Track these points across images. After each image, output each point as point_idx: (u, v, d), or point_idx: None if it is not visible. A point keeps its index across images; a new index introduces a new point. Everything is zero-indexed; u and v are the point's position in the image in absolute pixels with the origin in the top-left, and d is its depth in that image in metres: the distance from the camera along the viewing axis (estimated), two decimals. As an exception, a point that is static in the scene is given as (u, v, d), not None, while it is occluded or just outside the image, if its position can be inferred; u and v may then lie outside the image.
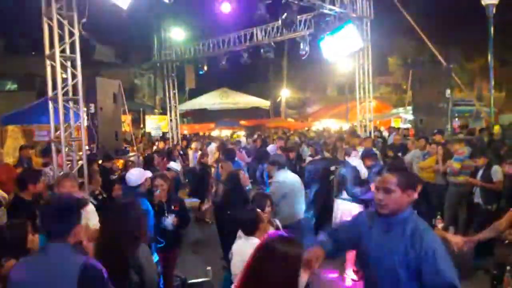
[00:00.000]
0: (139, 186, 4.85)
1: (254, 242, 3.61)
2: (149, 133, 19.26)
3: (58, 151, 6.49)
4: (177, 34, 19.12)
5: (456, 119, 15.75)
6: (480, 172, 7.08)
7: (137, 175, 4.88)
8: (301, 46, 13.50)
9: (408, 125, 16.88)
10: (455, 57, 20.78)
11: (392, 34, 23.22)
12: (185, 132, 22.88)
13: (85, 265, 2.51)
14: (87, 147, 7.44)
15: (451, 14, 21.96)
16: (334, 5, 11.82)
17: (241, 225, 3.76)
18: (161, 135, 19.08)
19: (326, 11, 11.91)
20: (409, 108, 16.99)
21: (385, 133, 14.74)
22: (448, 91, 12.12)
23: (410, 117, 17.03)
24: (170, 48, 18.25)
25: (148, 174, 5.09)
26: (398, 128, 16.47)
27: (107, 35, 19.85)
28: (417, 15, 15.73)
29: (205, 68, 17.48)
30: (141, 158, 10.82)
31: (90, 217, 4.70)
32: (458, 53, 22.99)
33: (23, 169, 7.93)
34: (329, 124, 21.99)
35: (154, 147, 15.00)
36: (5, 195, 6.44)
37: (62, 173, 5.94)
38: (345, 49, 12.62)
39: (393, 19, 18.29)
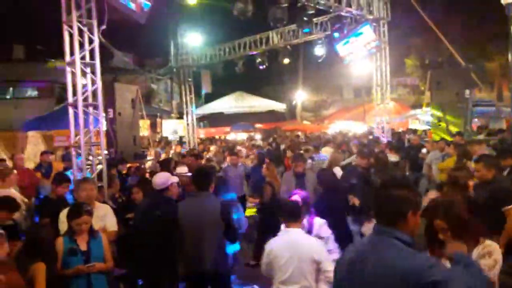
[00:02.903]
0: (164, 190, 4.88)
1: (296, 232, 3.75)
2: (166, 138, 19.43)
3: (78, 156, 6.59)
4: (193, 39, 19.24)
5: (476, 119, 15.46)
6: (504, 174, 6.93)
7: (163, 179, 4.91)
8: (317, 49, 13.48)
9: (427, 127, 16.64)
10: (474, 57, 20.43)
11: (409, 35, 22.99)
12: (201, 136, 23.01)
13: (222, 202, 4.65)
14: (106, 152, 7.53)
15: (469, 13, 21.63)
16: (350, 7, 11.78)
17: (287, 213, 3.88)
18: (178, 139, 19.23)
19: (342, 13, 11.90)
20: (427, 109, 16.75)
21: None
22: (467, 92, 11.91)
23: (428, 118, 16.79)
24: (186, 54, 18.41)
25: (174, 179, 5.12)
26: (415, 130, 16.27)
27: (124, 41, 20.16)
28: (434, 15, 15.54)
29: (221, 72, 17.62)
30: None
31: (108, 220, 4.77)
32: (477, 53, 22.61)
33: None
34: (345, 126, 21.83)
35: (171, 151, 15.11)
36: (25, 199, 6.59)
37: (82, 177, 6.04)
38: (362, 51, 12.57)
39: (410, 19, 18.14)
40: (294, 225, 3.80)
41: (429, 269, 1.85)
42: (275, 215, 5.31)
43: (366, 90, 20.87)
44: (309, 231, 4.23)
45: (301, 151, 9.33)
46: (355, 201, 5.81)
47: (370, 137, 11.95)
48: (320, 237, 4.17)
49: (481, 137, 11.47)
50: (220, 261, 4.39)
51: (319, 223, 4.43)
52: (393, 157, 8.23)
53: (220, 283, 4.48)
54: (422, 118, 18.24)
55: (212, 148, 13.06)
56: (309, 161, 9.06)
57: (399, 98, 26.82)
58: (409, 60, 26.53)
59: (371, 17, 12.58)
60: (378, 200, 2.12)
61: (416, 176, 9.35)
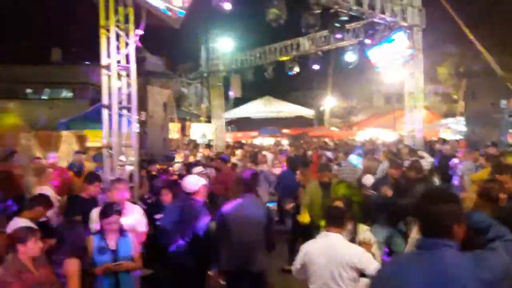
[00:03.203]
0: (194, 193, 4.93)
1: (337, 237, 3.71)
2: (194, 141, 19.65)
3: (110, 157, 6.74)
4: (224, 44, 19.47)
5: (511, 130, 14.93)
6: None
7: (193, 183, 4.96)
8: (349, 55, 13.36)
9: (459, 137, 16.20)
10: (511, 65, 19.76)
11: (443, 42, 22.46)
12: (228, 140, 23.15)
13: (267, 207, 5.19)
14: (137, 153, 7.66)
15: (506, 20, 20.94)
16: (384, 14, 11.61)
17: (330, 216, 3.87)
18: (206, 142, 19.42)
19: (376, 20, 11.75)
20: (461, 118, 16.33)
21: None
22: (503, 102, 11.54)
23: (461, 128, 16.36)
24: (217, 59, 18.61)
25: (203, 181, 5.16)
26: (444, 140, 15.85)
27: (157, 45, 20.54)
28: (470, 23, 15.14)
29: (251, 77, 17.72)
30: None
31: (138, 220, 4.85)
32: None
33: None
34: (375, 133, 21.48)
35: (199, 154, 15.26)
36: (58, 197, 6.79)
37: (114, 177, 6.17)
38: (394, 58, 12.39)
39: (445, 26, 17.74)
40: (335, 229, 3.77)
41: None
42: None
43: (397, 97, 20.46)
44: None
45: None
46: (388, 192, 5.74)
47: (401, 146, 11.64)
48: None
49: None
50: (264, 262, 4.64)
51: (363, 229, 4.42)
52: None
53: (263, 282, 4.70)
54: (455, 128, 17.77)
55: (238, 152, 13.08)
56: (335, 167, 8.99)
57: (431, 106, 26.21)
58: (442, 68, 25.89)
59: (405, 24, 12.38)
60: (424, 213, 2.08)
61: (447, 186, 9.11)
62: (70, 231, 4.12)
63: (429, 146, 13.12)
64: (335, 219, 3.84)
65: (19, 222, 4.38)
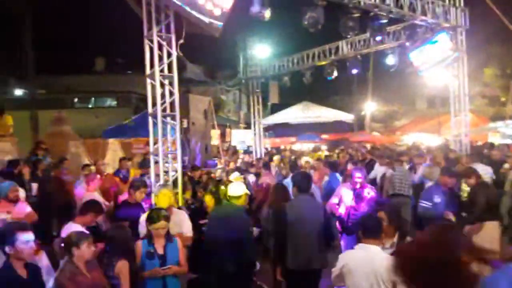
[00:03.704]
0: (238, 199, 5.00)
1: (375, 250, 3.63)
2: (234, 147, 19.84)
3: (156, 163, 6.93)
4: (262, 51, 19.60)
5: None
6: None
7: (238, 189, 5.03)
8: (390, 58, 13.11)
9: (509, 141, 15.46)
10: None
11: (489, 43, 21.63)
12: (267, 145, 23.21)
13: (323, 205, 5.54)
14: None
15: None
16: (425, 15, 11.32)
17: (367, 228, 3.78)
18: (246, 148, 19.57)
19: (417, 22, 11.47)
20: (510, 122, 15.60)
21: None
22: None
23: (511, 132, 15.63)
24: (255, 65, 18.75)
25: (246, 189, 5.22)
26: (492, 144, 15.17)
27: (196, 54, 20.96)
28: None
29: (288, 83, 17.74)
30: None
31: (183, 225, 4.95)
32: None
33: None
34: (419, 138, 20.85)
35: (239, 160, 15.39)
36: (106, 202, 7.04)
37: (159, 183, 6.34)
38: (438, 61, 12.04)
39: (490, 26, 17.08)
40: (374, 241, 3.69)
41: None
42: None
43: (441, 101, 19.86)
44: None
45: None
46: (450, 216, 5.50)
47: (452, 156, 11.11)
48: None
49: None
50: (324, 259, 4.82)
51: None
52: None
53: (317, 280, 4.90)
54: (504, 131, 16.98)
55: (275, 158, 13.04)
56: (390, 171, 8.82)
57: (477, 109, 25.22)
58: (488, 69, 24.88)
59: (447, 25, 12.01)
60: None
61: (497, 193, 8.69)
62: (118, 234, 4.26)
63: (476, 151, 12.59)
64: (372, 231, 3.75)
65: (73, 227, 4.58)
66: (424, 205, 5.86)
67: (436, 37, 11.99)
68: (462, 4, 12.44)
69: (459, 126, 12.67)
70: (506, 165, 9.59)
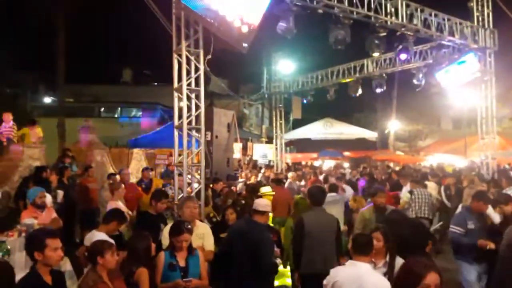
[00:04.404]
0: (263, 215, 5.01)
1: (365, 267, 3.65)
2: (256, 161, 19.88)
3: (179, 174, 7.01)
4: (286, 67, 19.73)
5: None
6: None
7: (265, 204, 5.05)
8: (416, 78, 13.01)
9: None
10: None
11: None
12: (288, 160, 23.17)
13: (335, 218, 5.55)
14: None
15: None
16: (453, 36, 11.23)
17: (358, 245, 3.80)
18: (267, 162, 19.58)
19: (444, 42, 11.38)
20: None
21: None
22: None
23: (540, 155, 15.21)
24: (279, 81, 18.88)
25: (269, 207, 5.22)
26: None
27: (221, 67, 21.22)
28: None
29: (311, 99, 17.74)
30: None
31: (207, 239, 4.96)
32: None
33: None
34: (444, 159, 20.46)
35: (260, 174, 15.39)
36: (130, 212, 7.14)
37: (183, 195, 6.40)
38: (463, 80, 11.91)
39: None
40: (362, 258, 3.71)
41: None
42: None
43: (467, 122, 19.49)
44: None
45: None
46: (491, 245, 5.26)
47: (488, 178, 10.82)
48: None
49: None
50: (337, 264, 4.96)
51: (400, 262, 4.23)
52: None
53: None
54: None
55: (290, 174, 12.92)
56: (407, 194, 8.67)
57: (504, 132, 24.62)
58: (517, 91, 24.32)
59: (475, 46, 11.88)
60: None
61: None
62: (139, 243, 4.31)
63: (505, 174, 12.28)
64: (362, 247, 3.76)
65: (97, 235, 4.65)
66: (455, 231, 5.60)
67: (464, 57, 11.87)
68: (491, 25, 12.30)
69: (486, 148, 12.41)
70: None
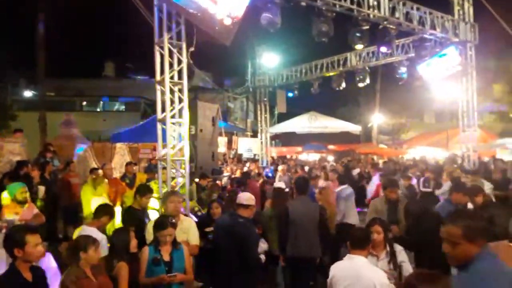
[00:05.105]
0: (243, 208, 4.99)
1: (360, 260, 3.69)
2: (241, 155, 19.86)
3: (163, 169, 6.95)
4: (270, 60, 19.71)
5: None
6: None
7: (249, 198, 5.04)
8: (398, 71, 13.13)
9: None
10: None
11: (499, 59, 21.58)
12: (273, 154, 23.23)
13: (319, 206, 6.09)
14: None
15: None
16: (435, 29, 11.35)
17: (354, 239, 3.82)
18: (252, 156, 19.57)
19: (426, 35, 11.50)
20: (521, 138, 15.50)
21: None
22: None
23: (521, 148, 15.52)
24: (263, 74, 18.85)
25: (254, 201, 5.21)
26: (502, 160, 15.07)
27: (204, 61, 21.08)
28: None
29: (296, 92, 17.78)
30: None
31: (191, 233, 4.94)
32: None
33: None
34: (426, 152, 20.77)
35: (245, 168, 15.38)
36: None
37: (167, 190, 6.35)
38: (444, 73, 12.07)
39: (500, 42, 17.06)
40: (359, 252, 3.74)
41: None
42: (325, 239, 5.91)
43: (450, 115, 19.79)
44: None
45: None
46: None
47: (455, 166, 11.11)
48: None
49: None
50: (318, 250, 5.69)
51: (399, 249, 4.31)
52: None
53: (314, 266, 5.82)
54: (513, 148, 16.85)
55: (280, 167, 13.03)
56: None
57: (485, 125, 25.13)
58: (497, 85, 24.78)
59: (456, 39, 12.03)
60: None
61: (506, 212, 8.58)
62: (119, 237, 4.28)
63: (484, 167, 12.53)
64: (359, 241, 3.80)
65: (87, 231, 4.61)
66: None
67: (445, 50, 12.02)
68: (471, 19, 12.46)
69: (468, 141, 12.63)
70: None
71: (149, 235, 4.58)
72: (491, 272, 2.32)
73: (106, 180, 8.12)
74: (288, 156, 24.92)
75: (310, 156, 25.24)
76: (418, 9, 11.02)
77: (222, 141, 14.13)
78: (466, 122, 12.67)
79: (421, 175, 10.19)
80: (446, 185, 7.98)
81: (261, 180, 11.39)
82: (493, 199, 7.21)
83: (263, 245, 5.75)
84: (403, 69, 13.19)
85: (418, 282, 2.12)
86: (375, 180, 10.37)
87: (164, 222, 4.26)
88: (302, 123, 24.69)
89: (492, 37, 15.74)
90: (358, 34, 10.15)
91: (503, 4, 13.27)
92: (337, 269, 3.79)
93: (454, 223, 2.45)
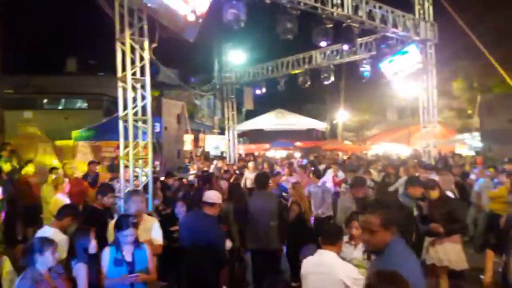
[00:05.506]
0: (209, 206, 4.96)
1: (330, 255, 3.74)
2: (208, 152, 19.75)
3: (126, 167, 6.81)
4: (237, 57, 19.67)
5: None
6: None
7: (215, 196, 5.01)
8: (362, 69, 13.39)
9: (473, 153, 16.00)
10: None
11: (457, 57, 22.36)
12: (241, 152, 23.23)
13: (279, 200, 6.31)
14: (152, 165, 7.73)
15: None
16: (396, 28, 11.65)
17: (325, 235, 3.87)
18: (219, 154, 19.50)
19: (388, 34, 11.78)
20: (476, 134, 16.14)
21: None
22: (520, 118, 11.36)
23: (477, 143, 16.17)
24: (230, 71, 18.79)
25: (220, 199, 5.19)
26: (460, 155, 15.68)
27: (170, 57, 20.79)
28: (485, 38, 15.07)
29: (263, 90, 17.82)
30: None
31: (155, 233, 4.86)
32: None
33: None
34: (389, 148, 21.33)
35: (212, 166, 15.30)
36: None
37: (129, 189, 6.22)
38: (406, 70, 12.42)
39: (459, 41, 17.67)
40: (330, 248, 3.79)
41: None
42: (301, 234, 5.96)
43: (411, 112, 20.39)
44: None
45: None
46: (440, 229, 5.46)
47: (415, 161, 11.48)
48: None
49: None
50: (277, 242, 5.93)
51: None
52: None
53: (277, 258, 6.13)
54: (470, 143, 17.56)
55: (250, 164, 13.04)
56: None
57: (445, 121, 26.05)
58: (456, 82, 25.71)
59: (417, 38, 12.39)
60: None
61: (463, 205, 8.93)
62: (77, 238, 4.17)
63: (444, 162, 12.97)
64: (329, 237, 3.85)
65: (48, 232, 4.46)
66: None
67: (406, 48, 12.36)
68: (431, 18, 12.86)
69: (428, 137, 13.04)
70: (472, 177, 9.90)
71: (110, 235, 4.48)
72: (404, 254, 2.70)
73: (66, 180, 7.89)
74: (256, 153, 24.99)
75: (277, 153, 25.39)
76: (380, 7, 11.27)
77: (188, 138, 13.96)
78: (426, 118, 13.07)
79: (383, 170, 10.45)
80: (402, 179, 8.21)
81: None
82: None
83: (228, 243, 5.73)
84: (366, 67, 13.45)
85: (377, 283, 2.17)
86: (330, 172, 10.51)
87: (125, 222, 4.16)
88: (270, 120, 24.83)
89: (451, 36, 16.31)
90: (322, 32, 10.28)
91: (461, 4, 13.79)
92: (308, 264, 3.83)
93: (373, 213, 2.74)
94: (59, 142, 13.81)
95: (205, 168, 13.79)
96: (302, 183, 7.96)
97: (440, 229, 5.43)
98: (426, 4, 12.83)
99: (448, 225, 5.43)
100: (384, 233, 2.68)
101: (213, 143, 20.22)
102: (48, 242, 3.79)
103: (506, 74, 14.78)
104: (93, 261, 4.10)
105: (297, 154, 24.05)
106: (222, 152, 19.74)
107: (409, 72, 12.62)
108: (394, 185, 8.62)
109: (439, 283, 5.70)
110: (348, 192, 6.58)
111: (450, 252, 5.54)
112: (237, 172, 13.97)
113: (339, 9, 10.23)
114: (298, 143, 26.63)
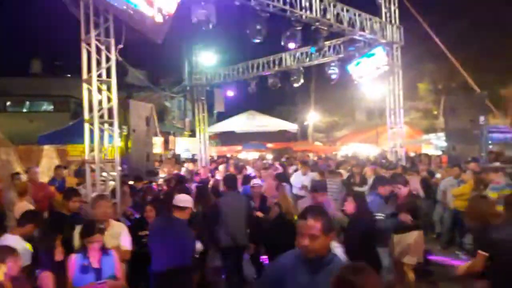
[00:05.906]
0: (179, 210, 4.90)
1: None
2: (178, 155, 19.53)
3: (92, 171, 6.65)
4: (207, 59, 19.56)
5: (491, 146, 15.27)
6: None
7: (186, 200, 4.95)
8: (330, 71, 13.57)
9: (439, 152, 16.50)
10: (488, 83, 20.32)
11: (423, 60, 23.03)
12: (213, 154, 23.11)
13: (247, 200, 6.62)
14: (119, 168, 7.57)
15: (484, 39, 21.66)
16: (364, 31, 11.87)
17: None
18: (190, 156, 19.32)
19: (356, 37, 12.00)
20: (441, 134, 16.67)
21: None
22: (482, 118, 11.78)
23: (442, 143, 16.68)
24: (200, 73, 18.66)
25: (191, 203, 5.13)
26: (427, 154, 16.14)
27: (139, 58, 20.50)
28: (449, 41, 15.59)
29: (235, 92, 17.80)
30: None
31: (123, 238, 4.76)
32: (492, 79, 22.51)
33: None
34: (358, 149, 21.73)
35: (183, 169, 15.13)
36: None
37: (96, 194, 6.06)
38: (373, 72, 12.69)
39: (424, 44, 18.21)
40: None
41: None
42: (282, 234, 5.45)
43: (379, 113, 20.82)
44: None
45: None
46: (407, 218, 5.69)
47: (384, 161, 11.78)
48: None
49: (497, 164, 11.28)
50: (246, 238, 6.24)
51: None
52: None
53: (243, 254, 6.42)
54: (436, 143, 18.10)
55: (221, 167, 12.95)
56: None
57: (412, 122, 26.76)
58: (422, 84, 26.48)
59: (384, 41, 12.67)
60: None
61: (430, 202, 9.19)
62: (42, 245, 4.03)
63: (411, 162, 13.32)
64: None
65: (10, 239, 4.28)
66: (381, 217, 5.60)
67: (373, 50, 12.63)
68: (397, 22, 13.18)
69: (395, 137, 13.33)
70: (438, 175, 10.20)
71: (76, 241, 4.35)
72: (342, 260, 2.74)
73: (30, 185, 7.62)
74: (229, 155, 24.92)
75: (249, 155, 25.41)
76: (348, 11, 11.45)
77: (158, 141, 13.78)
78: (393, 119, 13.37)
79: (351, 171, 10.63)
80: (371, 180, 8.38)
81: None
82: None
83: (198, 246, 5.67)
84: (334, 69, 13.64)
85: (351, 276, 2.15)
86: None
87: (91, 228, 4.06)
88: (241, 122, 24.84)
89: (417, 39, 16.78)
90: (291, 35, 10.37)
91: (426, 8, 14.20)
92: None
93: (314, 218, 2.58)
94: (23, 147, 13.32)
95: (175, 171, 13.64)
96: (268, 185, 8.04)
97: (408, 218, 5.65)
98: (392, 8, 13.14)
99: (413, 221, 5.72)
100: (325, 239, 2.58)
101: (184, 146, 20.03)
102: (10, 250, 3.65)
103: (469, 76, 15.33)
104: (59, 269, 3.98)
105: (269, 156, 24.14)
106: (193, 155, 19.57)
107: (376, 74, 12.88)
108: (367, 186, 8.75)
109: (406, 279, 5.88)
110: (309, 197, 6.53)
111: (412, 249, 5.85)
112: (209, 174, 13.88)
113: (308, 12, 10.33)
114: (269, 145, 26.76)
